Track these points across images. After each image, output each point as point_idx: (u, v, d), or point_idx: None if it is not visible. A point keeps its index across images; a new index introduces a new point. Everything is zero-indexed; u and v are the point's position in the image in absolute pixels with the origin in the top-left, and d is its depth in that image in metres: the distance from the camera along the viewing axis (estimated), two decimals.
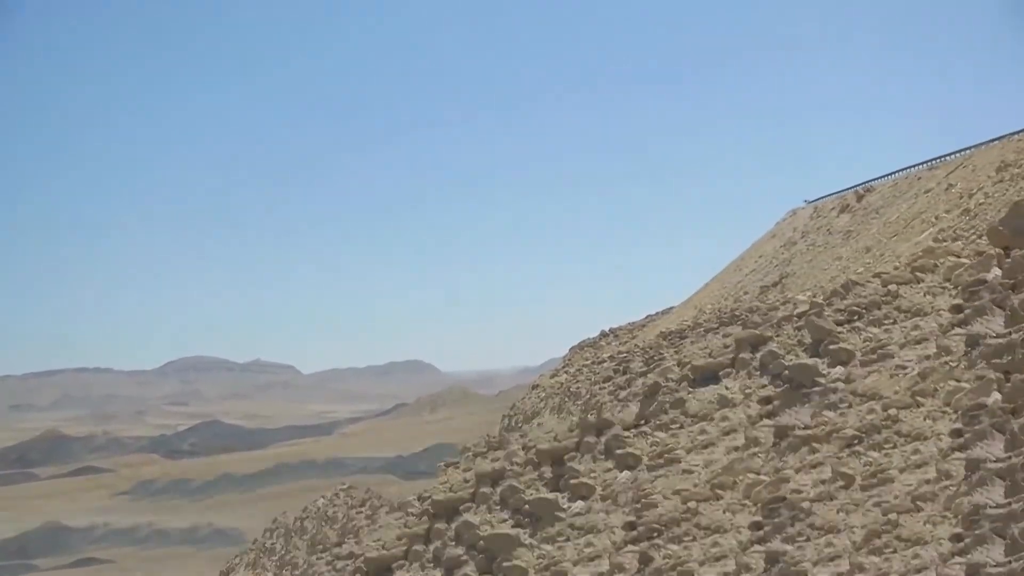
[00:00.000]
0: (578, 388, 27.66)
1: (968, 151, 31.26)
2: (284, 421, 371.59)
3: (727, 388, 13.15)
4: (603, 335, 59.39)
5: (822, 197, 43.49)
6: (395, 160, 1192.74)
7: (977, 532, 9.08)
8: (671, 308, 60.79)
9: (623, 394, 20.94)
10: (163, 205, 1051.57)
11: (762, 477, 12.27)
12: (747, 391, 12.61)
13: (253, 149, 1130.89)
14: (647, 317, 61.32)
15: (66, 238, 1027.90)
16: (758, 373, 13.26)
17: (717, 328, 23.66)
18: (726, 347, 21.11)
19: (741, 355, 13.99)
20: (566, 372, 45.86)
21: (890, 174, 35.74)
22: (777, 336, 13.92)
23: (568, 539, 13.02)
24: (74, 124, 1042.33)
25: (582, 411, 24.49)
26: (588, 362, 39.96)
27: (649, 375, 21.53)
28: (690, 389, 13.85)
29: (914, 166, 33.69)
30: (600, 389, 23.42)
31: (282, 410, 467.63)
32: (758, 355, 13.66)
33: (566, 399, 29.50)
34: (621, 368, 23.95)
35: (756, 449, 12.76)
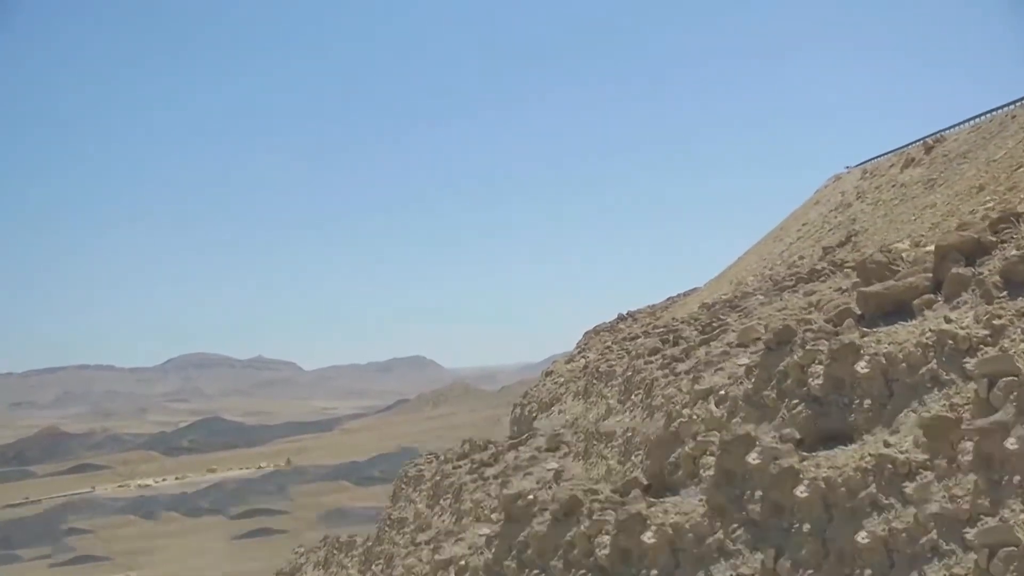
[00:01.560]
0: (610, 367, 22.99)
1: None
2: (285, 418, 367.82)
3: (949, 321, 8.06)
4: (621, 318, 54.54)
5: (872, 158, 38.93)
6: (398, 158, 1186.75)
7: None
8: (695, 289, 56.09)
9: (681, 366, 16.08)
10: (165, 202, 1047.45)
11: None
12: (995, 319, 7.56)
13: (256, 148, 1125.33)
14: (669, 299, 56.58)
15: (69, 236, 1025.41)
16: (1004, 294, 8.15)
17: (793, 286, 18.83)
18: (807, 300, 16.35)
19: (955, 271, 8.80)
20: (584, 357, 40.94)
21: (962, 122, 31.23)
22: (1002, 242, 8.86)
23: None
24: (75, 122, 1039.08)
25: (622, 390, 19.65)
26: (613, 341, 35.12)
27: (714, 338, 16.71)
28: (865, 330, 8.78)
29: (993, 110, 29.16)
30: (645, 364, 18.55)
31: (284, 407, 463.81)
32: (986, 267, 8.52)
33: (593, 380, 24.79)
34: (671, 339, 19.08)
35: None
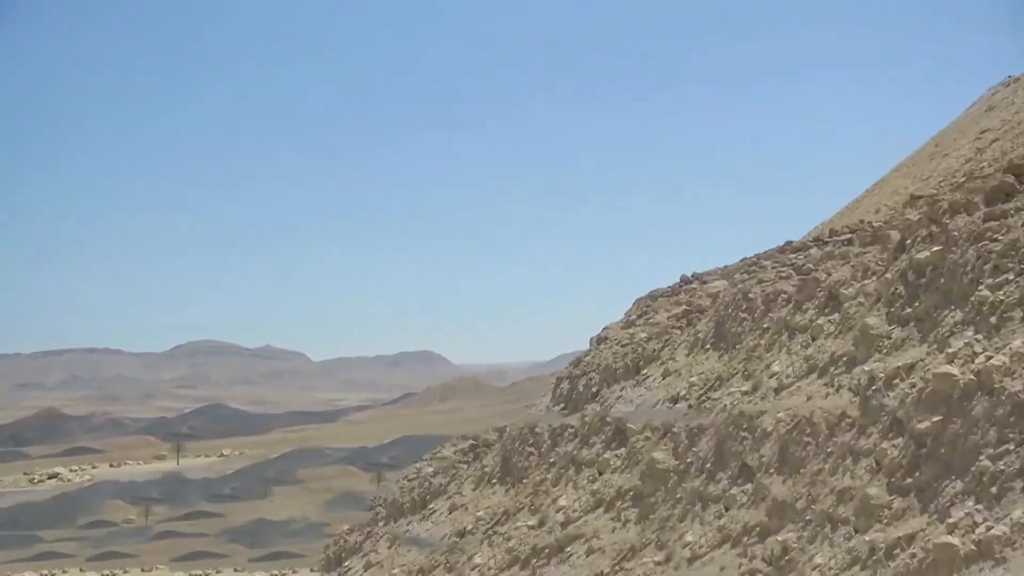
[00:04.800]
0: (799, 281, 12.37)
1: None
2: (290, 407, 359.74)
3: None
4: (685, 281, 43.68)
5: None
6: (408, 150, 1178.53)
7: None
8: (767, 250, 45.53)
9: None
10: (177, 187, 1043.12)
11: None
12: None
13: (266, 136, 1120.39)
14: (743, 260, 45.87)
15: (80, 219, 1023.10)
16: None
17: None
18: None
19: None
20: (649, 321, 30.20)
21: None
22: None
23: None
24: (86, 105, 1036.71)
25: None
26: (740, 270, 24.38)
27: None
28: None
29: None
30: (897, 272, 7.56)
31: (290, 396, 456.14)
32: None
33: (742, 315, 14.20)
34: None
35: None
